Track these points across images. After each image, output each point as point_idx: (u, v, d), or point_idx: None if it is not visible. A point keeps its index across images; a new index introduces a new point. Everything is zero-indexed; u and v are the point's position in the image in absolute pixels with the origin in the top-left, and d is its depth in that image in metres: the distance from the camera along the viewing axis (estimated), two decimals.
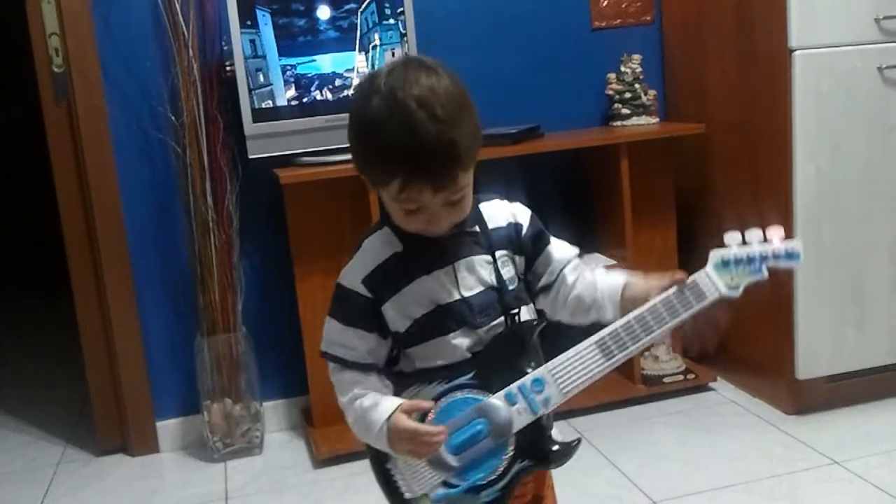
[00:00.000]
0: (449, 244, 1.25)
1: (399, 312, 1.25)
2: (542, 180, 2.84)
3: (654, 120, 2.87)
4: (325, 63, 2.52)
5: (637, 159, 2.68)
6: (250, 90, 2.45)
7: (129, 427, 2.74)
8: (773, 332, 2.60)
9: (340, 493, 2.39)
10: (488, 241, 1.27)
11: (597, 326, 1.27)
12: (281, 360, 2.78)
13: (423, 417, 1.23)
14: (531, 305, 1.31)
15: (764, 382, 2.71)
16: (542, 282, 1.31)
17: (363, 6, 2.53)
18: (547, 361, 1.25)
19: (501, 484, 1.22)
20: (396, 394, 1.27)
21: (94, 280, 2.68)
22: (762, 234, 1.19)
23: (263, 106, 2.47)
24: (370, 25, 2.53)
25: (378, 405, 1.24)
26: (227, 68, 2.55)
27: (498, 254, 1.28)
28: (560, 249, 1.33)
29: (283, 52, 2.48)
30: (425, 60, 1.20)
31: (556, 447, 1.25)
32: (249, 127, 2.46)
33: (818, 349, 2.53)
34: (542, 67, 2.89)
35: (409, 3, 2.55)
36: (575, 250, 1.31)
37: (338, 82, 2.53)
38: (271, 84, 2.48)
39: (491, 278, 1.26)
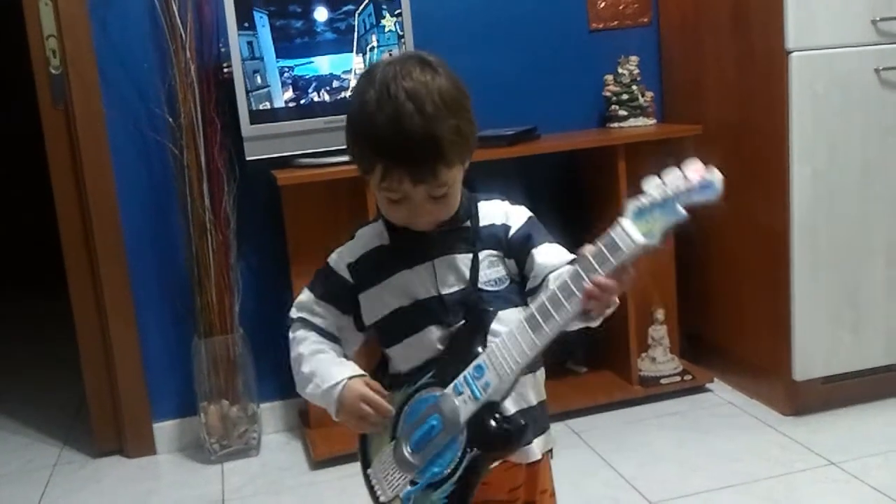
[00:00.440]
0: (434, 240, 1.26)
1: (375, 302, 1.28)
2: (538, 182, 2.84)
3: (652, 121, 2.87)
4: (323, 65, 2.52)
5: (634, 161, 2.68)
6: (248, 92, 2.45)
7: (125, 429, 2.73)
8: (769, 333, 2.61)
9: (337, 495, 2.39)
10: (476, 239, 1.27)
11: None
12: (278, 362, 2.76)
13: None
14: (521, 308, 1.30)
15: (761, 383, 2.71)
16: (528, 286, 1.28)
17: (360, 8, 2.53)
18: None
19: (456, 476, 1.20)
20: None
21: (91, 281, 2.68)
22: (680, 172, 1.08)
23: (261, 108, 2.47)
24: (367, 27, 2.54)
25: (343, 364, 1.29)
26: (225, 70, 2.55)
27: (485, 253, 1.27)
28: (548, 255, 1.26)
29: (280, 54, 2.48)
30: (427, 57, 1.21)
31: (493, 429, 1.20)
32: (247, 128, 2.46)
33: (815, 350, 2.54)
34: (539, 69, 2.89)
35: (407, 5, 2.55)
36: (569, 257, 1.24)
37: (335, 84, 2.53)
38: (269, 86, 2.48)
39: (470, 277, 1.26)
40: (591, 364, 2.96)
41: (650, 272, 2.85)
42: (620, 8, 2.98)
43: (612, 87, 2.85)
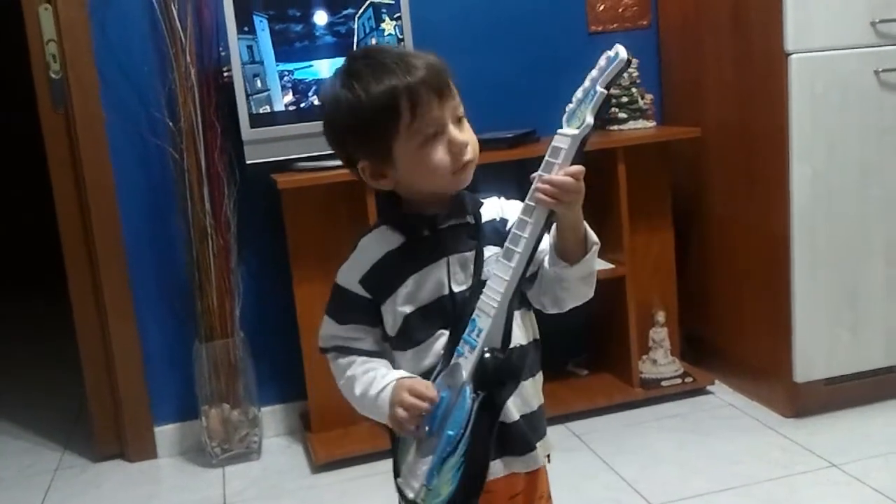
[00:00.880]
0: (446, 236, 1.26)
1: (394, 314, 1.26)
2: None
3: (651, 124, 2.87)
4: (323, 68, 2.52)
5: (634, 163, 2.69)
6: (248, 95, 2.46)
7: (126, 433, 2.73)
8: (770, 335, 2.61)
9: (338, 498, 2.39)
10: (480, 236, 1.27)
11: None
12: (279, 365, 2.78)
13: None
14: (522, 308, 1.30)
15: (762, 385, 2.71)
16: (528, 272, 1.27)
17: (360, 11, 2.53)
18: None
19: (468, 430, 1.17)
20: None
21: (92, 285, 2.68)
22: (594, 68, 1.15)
23: (261, 111, 2.47)
24: (367, 30, 2.54)
25: (391, 373, 1.25)
26: (225, 74, 2.55)
27: (491, 250, 1.26)
28: (545, 242, 1.26)
29: (280, 58, 2.48)
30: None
31: (489, 362, 1.17)
32: (247, 132, 2.46)
33: (815, 352, 2.54)
34: (538, 72, 2.90)
35: (406, 8, 2.55)
36: None
37: None
38: (269, 89, 2.48)
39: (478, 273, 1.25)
40: (591, 366, 2.96)
41: (651, 274, 2.86)
42: (620, 10, 2.98)
43: (612, 90, 2.84)
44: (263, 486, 2.51)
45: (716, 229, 2.85)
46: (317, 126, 2.60)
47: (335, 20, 2.53)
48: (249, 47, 2.45)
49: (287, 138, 2.47)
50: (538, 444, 1.31)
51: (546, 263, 1.23)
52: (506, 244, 1.18)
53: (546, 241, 1.25)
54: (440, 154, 1.20)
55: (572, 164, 1.14)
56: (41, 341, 4.15)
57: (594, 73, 1.13)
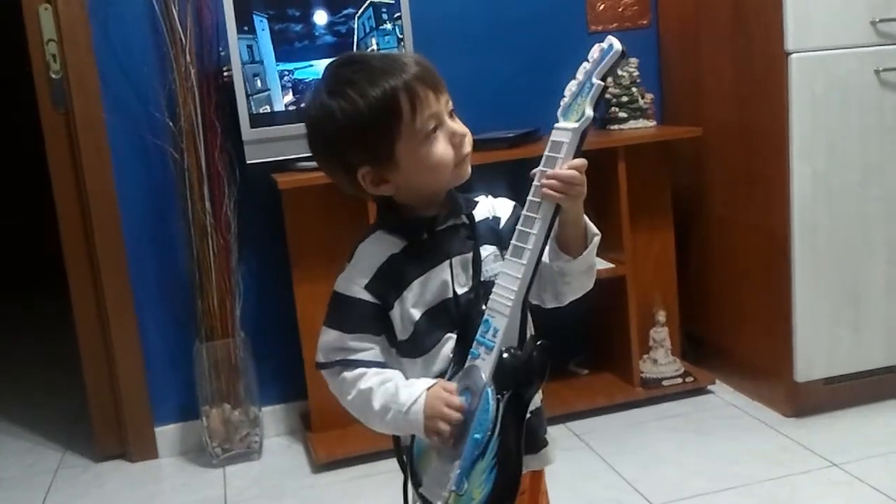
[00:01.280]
0: (444, 238, 1.25)
1: (403, 318, 1.24)
2: None
3: (651, 123, 2.87)
4: (323, 68, 2.51)
5: (634, 163, 2.69)
6: (248, 95, 2.46)
7: (127, 433, 2.74)
8: (770, 334, 2.61)
9: (339, 498, 2.39)
10: (477, 235, 1.27)
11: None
12: (279, 365, 2.78)
13: None
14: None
15: (762, 385, 2.71)
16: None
17: (360, 11, 2.53)
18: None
19: (497, 431, 1.16)
20: None
21: (92, 285, 2.68)
22: (585, 62, 1.15)
23: (261, 111, 2.48)
24: (367, 30, 2.54)
25: (413, 383, 1.22)
26: (225, 74, 2.55)
27: (488, 249, 1.26)
28: None
29: (280, 58, 2.49)
30: None
31: (509, 362, 1.16)
32: (247, 132, 2.46)
33: (816, 352, 2.54)
34: (539, 71, 2.89)
35: (406, 8, 2.55)
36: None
37: None
38: (269, 89, 2.48)
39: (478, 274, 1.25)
40: (592, 366, 2.96)
41: (651, 274, 2.86)
42: (620, 10, 2.98)
43: (611, 90, 2.85)
44: (264, 486, 2.51)
45: (716, 229, 2.85)
46: None
47: (335, 20, 2.53)
48: (249, 47, 2.45)
49: (287, 138, 2.47)
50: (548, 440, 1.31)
51: (546, 258, 1.22)
52: (513, 242, 1.17)
53: None
54: (442, 147, 1.21)
55: (574, 157, 1.14)
56: (42, 341, 4.15)
57: (587, 65, 1.13)
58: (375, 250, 1.26)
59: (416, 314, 1.24)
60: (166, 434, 2.77)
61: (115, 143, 2.61)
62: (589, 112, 1.12)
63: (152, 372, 2.73)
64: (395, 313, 1.25)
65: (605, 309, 2.80)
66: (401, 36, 2.55)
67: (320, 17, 2.52)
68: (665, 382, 2.80)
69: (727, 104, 2.71)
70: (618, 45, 1.10)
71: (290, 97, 2.50)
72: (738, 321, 2.80)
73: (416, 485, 1.27)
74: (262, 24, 2.46)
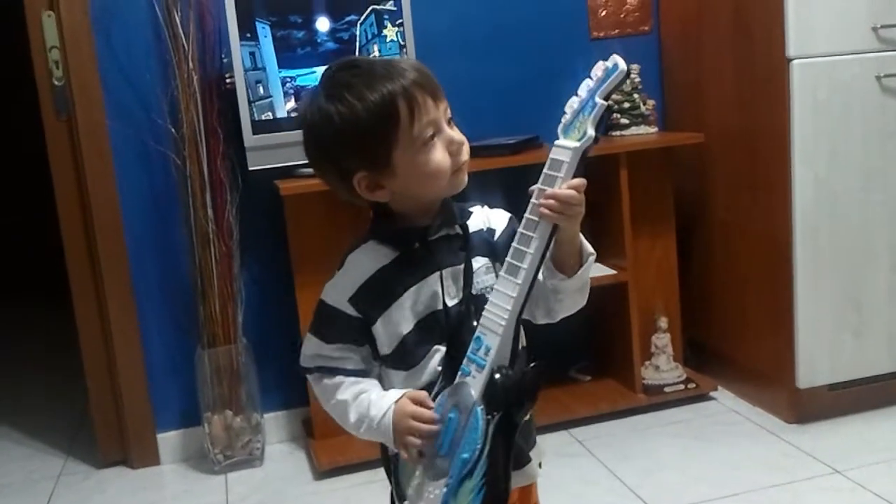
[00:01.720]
0: (436, 248, 1.24)
1: (389, 329, 1.24)
2: None
3: (653, 129, 2.87)
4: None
5: (636, 169, 2.69)
6: (250, 102, 2.46)
7: (129, 439, 2.73)
8: (773, 340, 2.60)
9: None
10: (470, 247, 1.26)
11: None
12: (281, 372, 2.78)
13: None
14: None
15: (765, 391, 2.70)
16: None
17: (362, 18, 2.53)
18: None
19: (486, 452, 1.15)
20: None
21: (95, 292, 2.69)
22: (588, 79, 1.14)
23: (263, 118, 2.48)
24: (369, 37, 2.54)
25: (386, 394, 1.23)
26: (227, 80, 2.55)
27: (481, 261, 1.26)
28: None
29: (282, 64, 2.49)
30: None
31: (501, 382, 1.14)
32: (249, 139, 2.46)
33: (818, 358, 2.53)
34: (540, 77, 2.90)
35: (408, 15, 2.56)
36: None
37: None
38: (271, 96, 2.49)
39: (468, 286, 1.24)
40: (594, 372, 2.95)
41: (653, 280, 2.86)
42: (621, 16, 2.99)
43: (613, 96, 2.84)
44: (266, 493, 2.51)
45: (718, 235, 2.85)
46: None
47: (337, 26, 2.53)
48: (252, 54, 2.45)
49: (289, 145, 2.47)
50: (531, 454, 1.30)
51: (540, 276, 1.21)
52: (507, 259, 1.16)
53: None
54: (440, 155, 1.20)
55: (573, 176, 1.13)
56: (44, 347, 4.15)
57: (590, 83, 1.12)
58: (364, 262, 1.26)
59: (405, 328, 1.23)
60: (168, 440, 2.77)
61: (118, 149, 2.61)
62: (591, 132, 1.12)
63: (154, 378, 2.73)
64: (378, 328, 1.25)
65: (606, 315, 2.80)
66: (403, 42, 2.56)
67: (322, 24, 2.52)
68: (667, 389, 2.80)
69: (729, 110, 2.71)
70: (622, 65, 1.09)
71: (292, 104, 2.51)
72: (740, 327, 2.79)
73: (400, 498, 1.27)
74: (264, 30, 2.46)
